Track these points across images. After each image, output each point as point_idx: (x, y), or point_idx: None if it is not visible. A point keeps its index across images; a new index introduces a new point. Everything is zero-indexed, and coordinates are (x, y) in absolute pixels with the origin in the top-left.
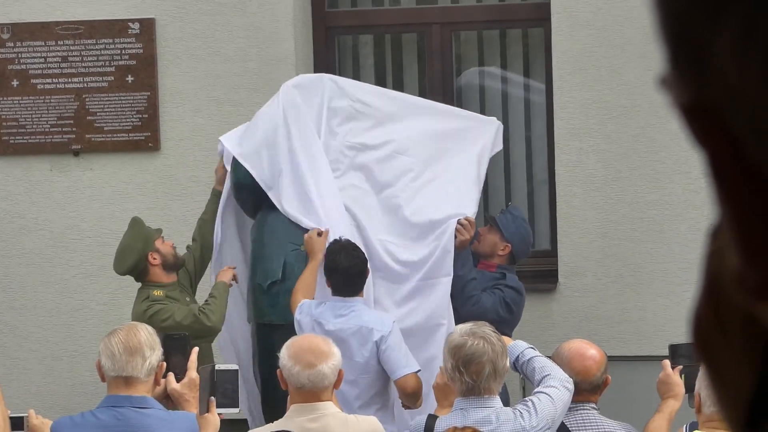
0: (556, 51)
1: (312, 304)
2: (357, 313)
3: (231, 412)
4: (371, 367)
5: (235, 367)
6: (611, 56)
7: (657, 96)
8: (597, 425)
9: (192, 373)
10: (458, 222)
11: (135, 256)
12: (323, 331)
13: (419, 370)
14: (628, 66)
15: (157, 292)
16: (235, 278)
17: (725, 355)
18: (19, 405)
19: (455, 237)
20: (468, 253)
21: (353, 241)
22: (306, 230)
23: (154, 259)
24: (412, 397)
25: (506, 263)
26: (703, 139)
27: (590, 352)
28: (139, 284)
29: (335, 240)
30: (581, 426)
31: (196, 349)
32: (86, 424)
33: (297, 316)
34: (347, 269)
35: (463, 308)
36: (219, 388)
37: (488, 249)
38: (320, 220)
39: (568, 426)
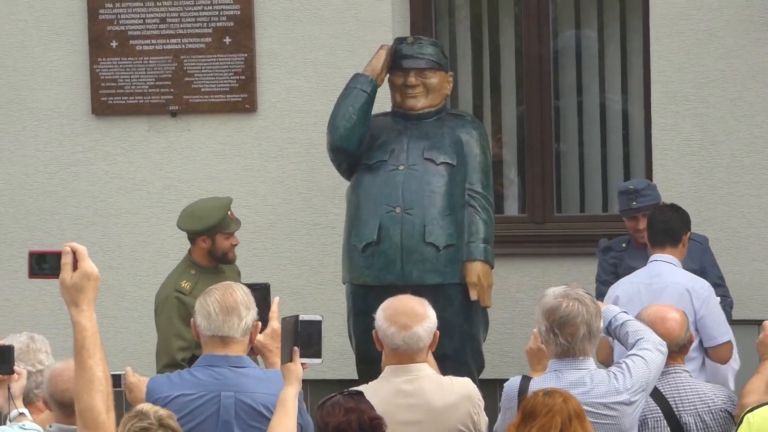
0: (654, 14)
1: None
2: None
3: (314, 363)
4: None
5: (318, 318)
6: (709, 19)
7: (755, 59)
8: (691, 388)
9: (273, 323)
10: None
11: (189, 228)
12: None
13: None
14: (726, 29)
15: (186, 284)
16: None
17: None
18: (116, 363)
19: None
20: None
21: None
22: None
23: (204, 242)
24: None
25: None
26: None
27: (670, 314)
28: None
29: None
30: (675, 389)
31: (277, 299)
32: (184, 382)
33: None
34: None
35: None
36: (302, 338)
37: None
38: None
39: (662, 390)
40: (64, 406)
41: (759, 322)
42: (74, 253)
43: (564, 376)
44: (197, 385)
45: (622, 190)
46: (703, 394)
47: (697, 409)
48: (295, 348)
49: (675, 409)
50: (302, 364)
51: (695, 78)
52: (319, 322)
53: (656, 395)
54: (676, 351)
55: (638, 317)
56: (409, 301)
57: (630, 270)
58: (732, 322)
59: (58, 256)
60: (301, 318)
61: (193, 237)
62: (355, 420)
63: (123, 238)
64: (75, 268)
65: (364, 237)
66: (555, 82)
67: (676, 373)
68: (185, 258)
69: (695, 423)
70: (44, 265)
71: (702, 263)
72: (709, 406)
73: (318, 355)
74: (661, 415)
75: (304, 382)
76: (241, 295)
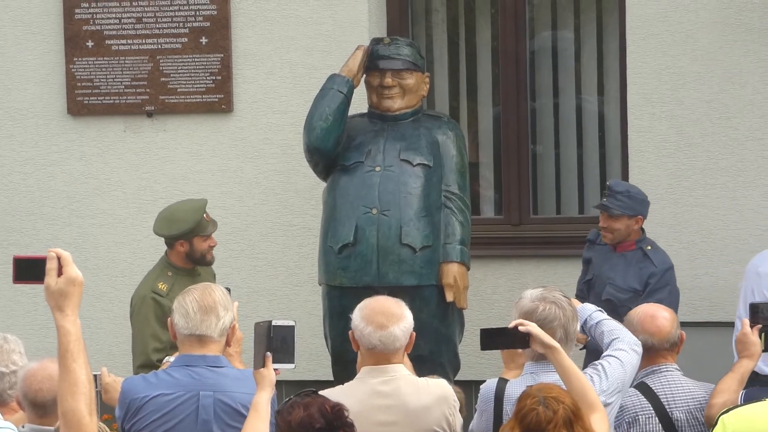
0: (630, 15)
1: None
2: None
3: (287, 368)
4: None
5: (291, 323)
6: (685, 21)
7: (731, 61)
8: (682, 386)
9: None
10: None
11: (166, 234)
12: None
13: None
14: (702, 31)
15: (163, 286)
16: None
17: None
18: (91, 364)
19: None
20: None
21: None
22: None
23: (182, 246)
24: None
25: (640, 234)
26: None
27: (660, 312)
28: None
29: None
30: (666, 387)
31: (236, 304)
32: (161, 382)
33: None
34: None
35: None
36: (275, 343)
37: (625, 233)
38: None
39: (653, 388)
40: (38, 407)
41: (734, 325)
42: (59, 258)
43: (540, 379)
44: (175, 384)
45: (606, 183)
46: (695, 392)
47: (689, 405)
48: (268, 353)
49: (666, 406)
50: (275, 369)
51: (671, 80)
52: (292, 327)
53: (648, 393)
54: (667, 348)
55: (628, 317)
56: (386, 302)
57: (600, 268)
58: (707, 325)
59: (42, 261)
60: (274, 323)
61: (170, 241)
62: (316, 411)
63: (99, 239)
64: (60, 273)
65: (340, 238)
66: (531, 84)
67: (667, 371)
68: (162, 260)
69: (687, 419)
70: (29, 270)
71: (648, 283)
72: (700, 404)
73: (291, 360)
74: (653, 412)
75: (280, 383)
76: (220, 295)
